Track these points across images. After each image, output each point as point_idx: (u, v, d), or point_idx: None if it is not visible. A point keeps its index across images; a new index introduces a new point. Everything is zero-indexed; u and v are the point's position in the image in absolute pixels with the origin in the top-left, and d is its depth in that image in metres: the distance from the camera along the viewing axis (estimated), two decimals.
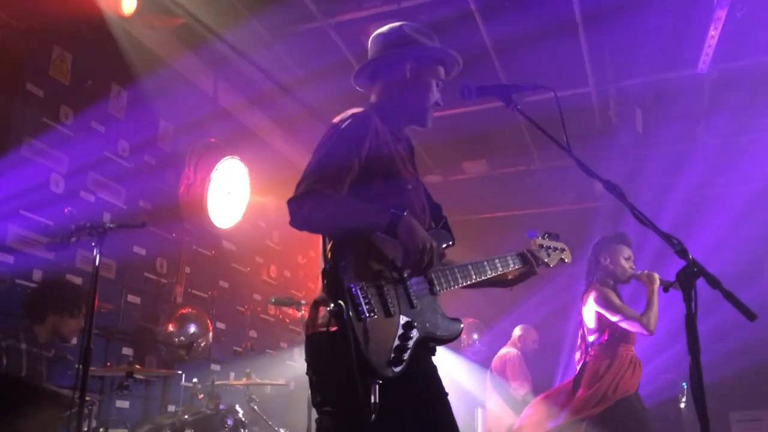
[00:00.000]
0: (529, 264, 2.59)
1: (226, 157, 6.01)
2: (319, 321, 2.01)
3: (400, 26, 2.39)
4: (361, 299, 1.92)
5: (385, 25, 2.44)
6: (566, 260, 2.83)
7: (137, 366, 4.15)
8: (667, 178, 7.24)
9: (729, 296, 1.77)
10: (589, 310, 4.14)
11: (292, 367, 6.79)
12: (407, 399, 1.96)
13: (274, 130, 7.09)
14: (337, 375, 1.90)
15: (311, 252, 7.83)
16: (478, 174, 8.44)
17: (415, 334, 2.02)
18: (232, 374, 6.05)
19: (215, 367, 5.96)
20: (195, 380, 4.84)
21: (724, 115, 6.73)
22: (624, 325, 3.99)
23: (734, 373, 6.57)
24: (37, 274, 4.30)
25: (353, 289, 1.91)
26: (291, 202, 2.03)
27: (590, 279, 4.26)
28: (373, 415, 1.83)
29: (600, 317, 4.09)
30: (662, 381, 6.00)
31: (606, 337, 4.10)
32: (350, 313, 1.87)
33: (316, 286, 2.10)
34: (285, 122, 6.96)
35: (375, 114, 2.25)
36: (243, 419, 4.57)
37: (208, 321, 5.48)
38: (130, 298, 5.13)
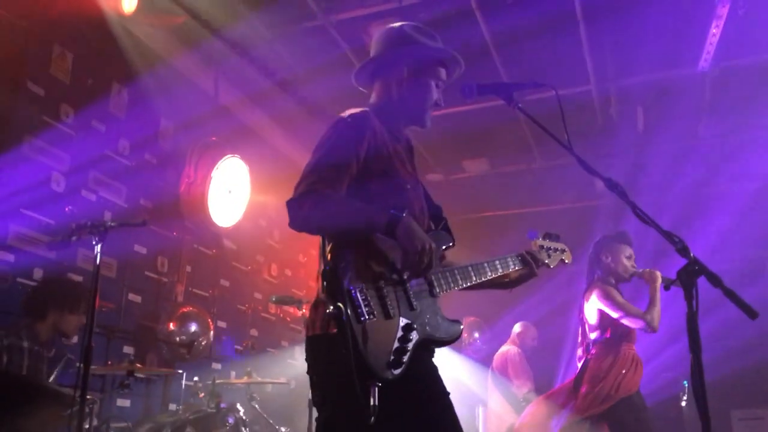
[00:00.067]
0: (529, 265, 2.58)
1: (227, 156, 6.01)
2: (319, 323, 2.00)
3: (401, 26, 2.38)
4: (361, 301, 1.91)
5: (385, 23, 2.43)
6: (566, 261, 2.82)
7: (138, 365, 4.15)
8: (669, 177, 7.23)
9: (730, 294, 1.77)
10: (592, 308, 4.13)
11: (293, 365, 6.79)
12: (408, 400, 1.96)
13: (275, 129, 7.09)
14: (337, 377, 1.89)
15: (312, 251, 7.82)
16: (479, 172, 8.44)
17: (414, 336, 2.02)
18: (233, 373, 6.05)
19: (216, 365, 5.96)
20: (196, 379, 4.84)
21: (725, 113, 6.73)
22: (627, 322, 3.98)
23: (736, 371, 6.57)
24: (38, 273, 4.30)
25: (353, 291, 1.91)
26: (290, 203, 2.03)
27: (591, 277, 4.26)
28: (373, 418, 1.82)
29: (602, 315, 4.08)
30: (663, 380, 6.00)
31: (608, 335, 4.09)
32: (349, 315, 1.86)
33: (317, 285, 2.10)
34: (286, 121, 6.96)
35: (374, 114, 2.24)
36: (244, 418, 4.58)
37: (209, 320, 5.49)
38: (131, 296, 5.14)
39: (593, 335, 4.15)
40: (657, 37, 5.66)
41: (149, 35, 5.41)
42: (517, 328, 7.02)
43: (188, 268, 5.80)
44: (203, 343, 5.29)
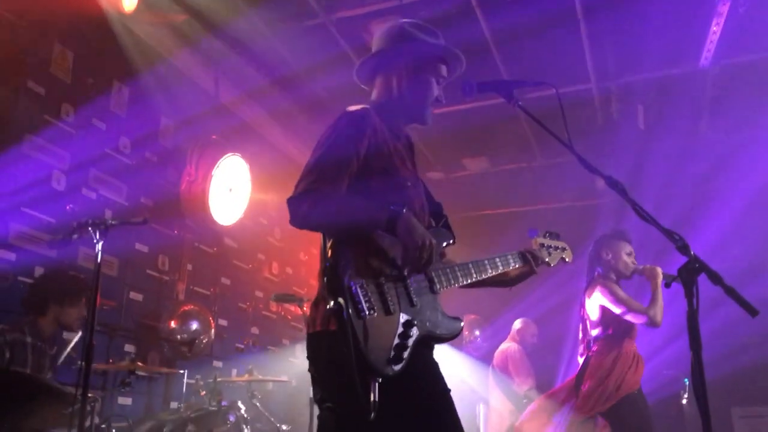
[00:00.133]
0: (529, 263, 2.58)
1: (228, 154, 6.02)
2: (320, 319, 2.01)
3: (402, 23, 2.37)
4: (361, 297, 1.92)
5: (385, 21, 2.44)
6: (567, 259, 2.83)
7: (139, 363, 4.16)
8: (670, 175, 7.23)
9: (731, 292, 1.78)
10: (594, 304, 4.13)
11: (294, 363, 6.80)
12: (408, 396, 1.96)
13: (276, 127, 7.09)
14: (338, 373, 1.89)
15: (313, 249, 7.83)
16: (480, 171, 8.43)
17: (415, 332, 2.02)
18: (234, 371, 6.06)
19: (217, 363, 5.97)
20: (198, 377, 4.85)
21: (726, 111, 6.72)
22: (630, 318, 3.98)
23: (736, 369, 6.57)
24: (39, 271, 4.30)
25: (353, 287, 1.91)
26: (290, 201, 2.03)
27: (592, 275, 4.26)
28: (373, 414, 1.83)
29: (604, 311, 4.08)
30: (664, 377, 6.01)
31: (610, 332, 4.09)
32: (350, 312, 1.86)
33: (318, 284, 2.11)
34: (287, 119, 6.96)
35: (374, 111, 2.24)
36: (245, 416, 4.59)
37: (210, 318, 5.49)
38: (132, 295, 5.14)
39: (595, 332, 4.15)
40: (657, 35, 5.65)
41: (150, 34, 5.41)
42: (517, 324, 7.01)
43: (189, 267, 5.81)
44: (204, 341, 5.30)
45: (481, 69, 5.93)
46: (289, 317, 7.27)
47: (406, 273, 2.07)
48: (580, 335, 4.27)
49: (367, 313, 1.91)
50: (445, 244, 2.33)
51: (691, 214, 6.76)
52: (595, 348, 4.11)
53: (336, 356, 1.85)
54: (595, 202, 7.88)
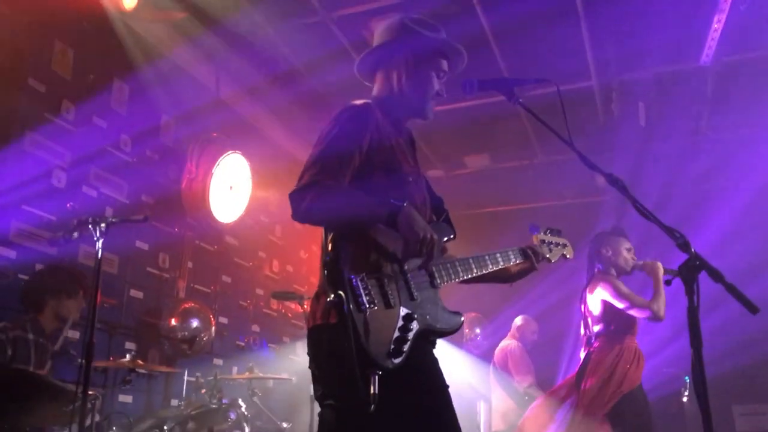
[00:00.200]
0: (530, 259, 2.58)
1: (228, 152, 6.02)
2: (320, 313, 2.02)
3: (402, 17, 2.37)
4: (362, 290, 1.92)
5: (385, 18, 2.43)
6: (568, 256, 2.82)
7: (140, 361, 4.16)
8: (671, 172, 7.22)
9: (731, 289, 1.77)
10: (596, 300, 4.12)
11: (295, 361, 6.81)
12: (407, 390, 1.96)
13: (276, 124, 7.09)
14: (338, 366, 1.90)
15: (314, 247, 7.83)
16: (481, 168, 8.43)
17: (415, 326, 2.02)
18: (235, 368, 6.07)
19: (218, 361, 5.97)
20: (198, 374, 4.85)
21: (727, 109, 6.71)
22: (634, 312, 3.98)
23: (737, 367, 6.58)
24: (40, 269, 4.30)
25: (353, 281, 1.92)
26: (293, 195, 2.03)
27: (592, 271, 4.26)
28: (373, 406, 1.83)
29: (606, 307, 4.07)
30: (665, 375, 6.01)
31: (612, 328, 4.08)
32: (350, 305, 1.87)
33: (318, 280, 2.11)
34: (287, 115, 6.95)
35: (376, 106, 2.25)
36: (246, 413, 4.59)
37: (211, 315, 5.49)
38: (133, 292, 5.14)
39: (596, 328, 4.14)
40: (658, 32, 5.65)
41: (150, 31, 5.41)
42: (517, 321, 7.00)
43: (190, 264, 5.81)
44: (205, 339, 5.30)
45: (481, 65, 5.92)
46: (290, 315, 7.27)
47: (406, 267, 2.08)
48: (582, 331, 4.27)
49: (367, 306, 1.91)
50: (445, 239, 2.33)
51: (692, 212, 6.75)
52: (596, 344, 4.10)
53: (336, 349, 1.86)
54: (596, 199, 7.87)
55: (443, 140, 7.47)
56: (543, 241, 2.73)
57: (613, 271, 4.18)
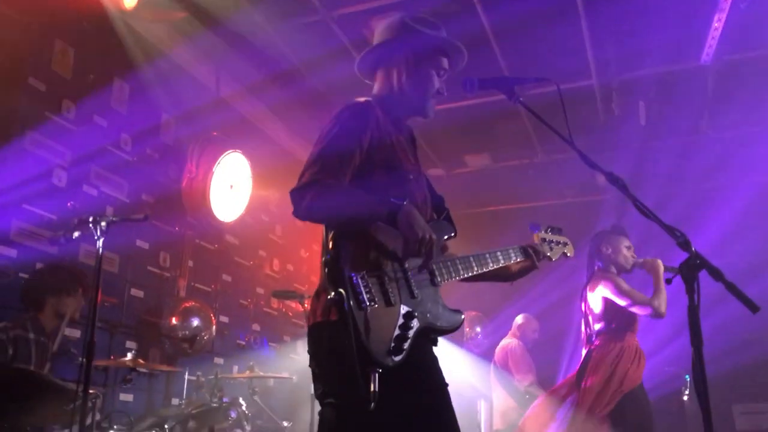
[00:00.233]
0: (531, 258, 2.58)
1: (228, 151, 6.02)
2: (320, 310, 2.02)
3: (402, 16, 2.37)
4: (362, 288, 1.92)
5: (386, 17, 2.42)
6: (569, 254, 2.82)
7: (140, 360, 4.16)
8: (671, 171, 7.22)
9: (731, 288, 1.78)
10: (597, 297, 4.12)
11: (295, 360, 6.81)
12: (407, 388, 1.97)
13: (277, 123, 7.09)
14: (338, 364, 1.91)
15: (314, 245, 7.83)
16: (481, 167, 8.42)
17: (415, 323, 2.03)
18: (236, 367, 6.07)
19: (218, 360, 5.97)
20: (199, 373, 4.85)
21: (728, 107, 6.71)
22: (635, 309, 3.97)
23: (737, 365, 6.58)
24: (39, 268, 4.30)
25: (354, 278, 1.92)
26: (293, 193, 2.04)
27: (592, 269, 4.26)
28: (373, 404, 1.83)
29: (607, 304, 4.07)
30: (665, 374, 6.01)
31: (613, 325, 4.07)
32: (351, 302, 1.87)
33: (319, 278, 2.11)
34: (288, 114, 6.95)
35: (377, 104, 2.25)
36: (246, 412, 4.59)
37: (212, 314, 5.50)
38: (134, 291, 5.15)
39: (597, 326, 4.13)
40: (659, 31, 5.64)
41: (150, 30, 5.41)
42: (518, 320, 7.00)
43: (190, 263, 5.81)
44: (205, 338, 5.30)
45: (481, 63, 5.92)
46: (290, 314, 7.28)
47: (407, 265, 2.08)
48: (583, 329, 4.26)
49: (367, 304, 1.92)
50: (446, 237, 2.33)
51: (692, 211, 6.75)
52: (597, 342, 4.09)
53: (336, 346, 1.87)
54: (596, 198, 7.87)
55: (444, 139, 7.46)
56: (544, 240, 2.72)
57: (614, 269, 4.18)
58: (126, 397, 4.88)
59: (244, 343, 6.40)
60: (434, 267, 2.18)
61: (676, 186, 7.24)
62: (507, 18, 5.40)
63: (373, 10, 5.38)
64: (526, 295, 7.11)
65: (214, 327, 5.44)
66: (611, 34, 5.81)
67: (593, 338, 4.13)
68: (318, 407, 2.08)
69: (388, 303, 1.98)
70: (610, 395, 3.91)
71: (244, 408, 4.58)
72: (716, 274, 1.77)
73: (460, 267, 2.30)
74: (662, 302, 3.90)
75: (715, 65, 6.04)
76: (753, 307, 1.78)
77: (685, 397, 6.08)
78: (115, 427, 3.96)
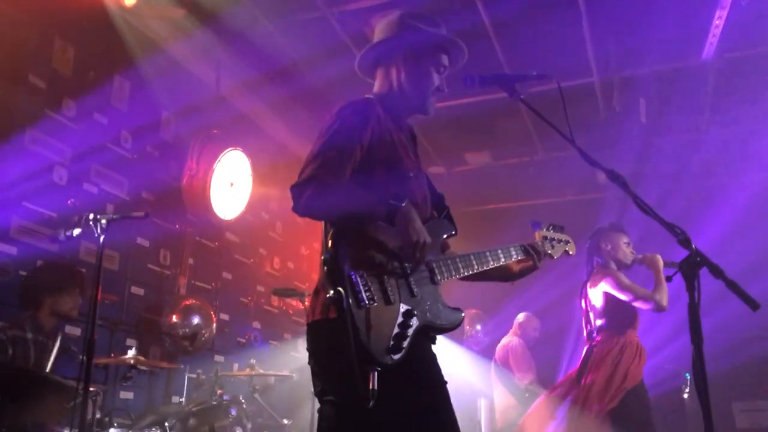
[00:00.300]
0: (532, 256, 2.57)
1: (229, 149, 6.01)
2: (319, 308, 2.02)
3: (401, 13, 2.36)
4: (361, 287, 1.92)
5: (386, 13, 2.42)
6: (570, 252, 2.81)
7: (141, 357, 4.16)
8: (672, 169, 7.21)
9: (732, 285, 1.77)
10: (598, 293, 4.11)
11: (296, 358, 6.80)
12: (406, 386, 1.97)
13: (277, 120, 7.08)
14: (337, 362, 1.90)
15: (314, 243, 7.82)
16: (481, 165, 8.42)
17: (415, 322, 2.02)
18: (236, 365, 6.07)
19: (219, 358, 5.97)
20: (199, 371, 4.86)
21: (729, 105, 6.70)
22: (637, 304, 3.97)
23: (738, 363, 6.57)
24: (36, 266, 4.30)
25: (353, 277, 1.92)
26: (293, 189, 2.04)
27: (591, 266, 4.25)
28: (372, 402, 1.83)
29: (609, 300, 4.06)
30: (666, 372, 6.00)
31: (615, 321, 4.07)
32: (350, 301, 1.87)
33: (318, 275, 2.11)
34: (288, 112, 6.94)
35: (377, 102, 2.25)
36: (246, 410, 4.59)
37: (212, 312, 5.50)
38: (134, 289, 5.15)
39: (599, 322, 4.12)
40: (660, 28, 5.63)
41: (150, 27, 5.40)
42: (519, 318, 7.00)
43: (191, 261, 5.81)
44: (206, 336, 5.30)
45: (481, 60, 5.91)
46: (291, 312, 7.28)
47: (406, 264, 2.07)
48: (583, 324, 4.25)
49: (367, 302, 1.91)
50: (446, 235, 2.33)
51: (693, 208, 6.74)
52: (598, 338, 4.08)
53: (335, 344, 1.86)
54: (597, 195, 7.85)
55: (444, 136, 7.45)
56: (545, 237, 2.71)
57: (613, 265, 4.18)
58: (126, 394, 4.88)
59: (244, 340, 6.40)
60: (434, 265, 2.18)
61: (677, 183, 7.22)
62: (507, 14, 5.39)
63: (373, 6, 5.37)
64: (526, 292, 7.10)
65: (214, 325, 5.45)
66: (612, 30, 5.79)
67: (594, 334, 4.12)
68: (318, 405, 2.08)
69: (388, 301, 1.98)
70: (612, 392, 3.91)
71: (244, 406, 4.59)
72: (716, 271, 1.77)
73: (460, 265, 2.29)
74: (664, 296, 3.90)
75: (717, 62, 6.03)
76: (753, 305, 1.78)
77: (686, 395, 6.07)
78: (115, 424, 3.96)
